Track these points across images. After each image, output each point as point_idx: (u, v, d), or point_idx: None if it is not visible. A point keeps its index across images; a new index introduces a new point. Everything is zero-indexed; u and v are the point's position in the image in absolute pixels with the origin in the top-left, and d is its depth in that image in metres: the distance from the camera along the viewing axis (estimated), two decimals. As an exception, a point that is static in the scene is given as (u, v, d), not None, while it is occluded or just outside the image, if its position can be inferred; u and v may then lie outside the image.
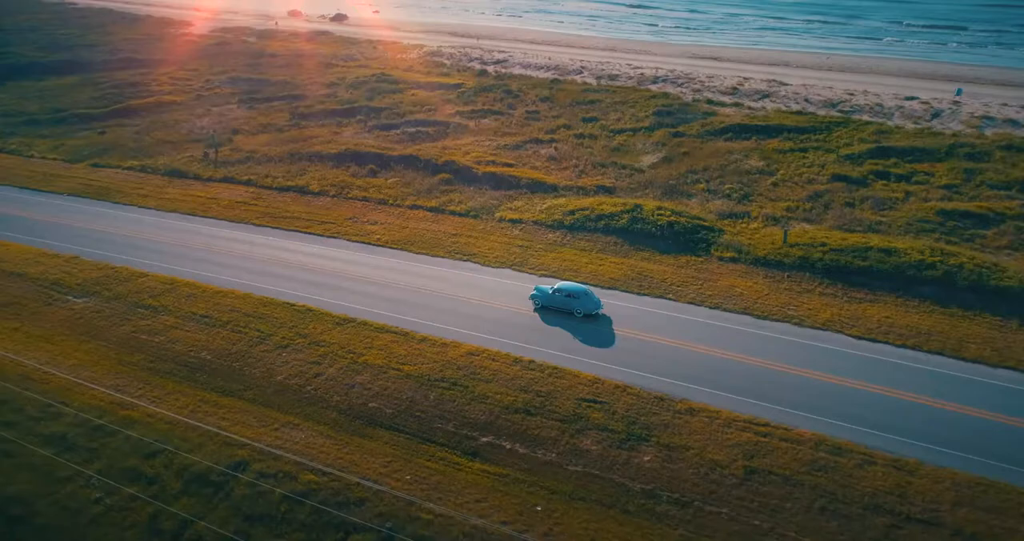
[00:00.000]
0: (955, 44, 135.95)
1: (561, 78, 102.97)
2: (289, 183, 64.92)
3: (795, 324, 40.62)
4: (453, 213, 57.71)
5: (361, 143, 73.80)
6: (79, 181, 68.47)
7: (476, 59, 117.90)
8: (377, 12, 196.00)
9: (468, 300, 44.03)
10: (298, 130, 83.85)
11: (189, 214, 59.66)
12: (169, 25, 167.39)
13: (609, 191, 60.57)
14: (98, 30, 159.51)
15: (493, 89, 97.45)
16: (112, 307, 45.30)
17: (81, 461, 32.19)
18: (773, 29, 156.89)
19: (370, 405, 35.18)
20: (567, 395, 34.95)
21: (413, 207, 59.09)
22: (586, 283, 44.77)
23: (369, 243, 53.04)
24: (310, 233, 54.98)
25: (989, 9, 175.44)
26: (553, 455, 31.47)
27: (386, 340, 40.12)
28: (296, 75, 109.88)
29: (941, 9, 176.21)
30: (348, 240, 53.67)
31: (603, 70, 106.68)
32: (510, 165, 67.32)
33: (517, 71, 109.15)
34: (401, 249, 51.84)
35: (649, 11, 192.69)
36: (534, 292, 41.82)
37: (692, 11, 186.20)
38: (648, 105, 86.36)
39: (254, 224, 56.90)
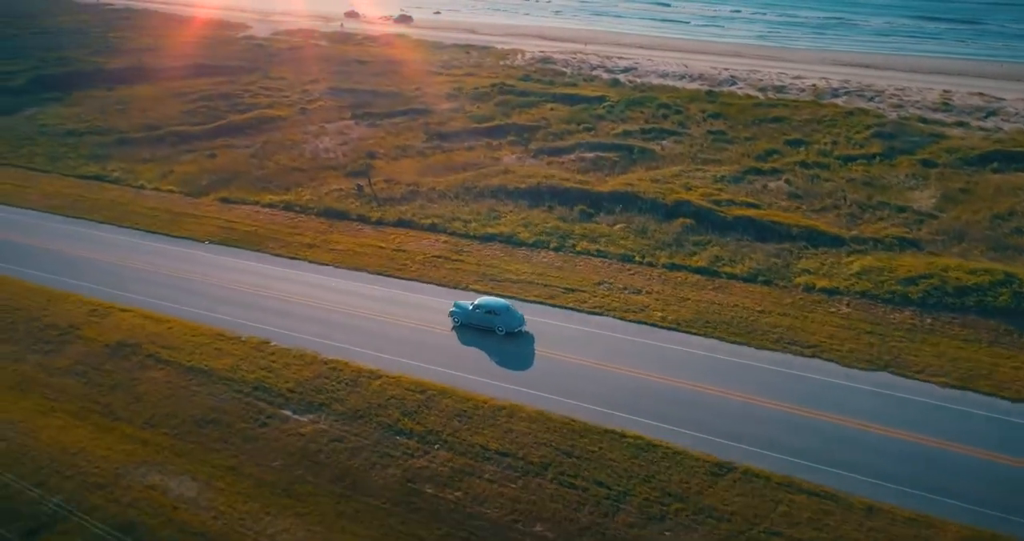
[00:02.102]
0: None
1: (715, 89, 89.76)
2: (488, 229, 51.69)
3: None
4: (731, 277, 44.45)
5: (548, 174, 60.55)
6: (215, 223, 55.30)
7: (598, 67, 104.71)
8: (438, 13, 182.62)
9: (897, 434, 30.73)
10: (444, 154, 70.63)
11: (381, 274, 46.49)
12: (226, 27, 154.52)
13: (915, 245, 47.39)
14: (149, 32, 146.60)
15: (644, 103, 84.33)
16: (355, 431, 32.16)
17: None
18: (896, 34, 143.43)
19: None
20: None
21: (671, 267, 45.83)
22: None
23: (650, 323, 39.84)
24: (558, 306, 41.73)
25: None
26: None
27: (809, 508, 26.84)
28: (401, 85, 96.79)
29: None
30: (617, 318, 40.53)
31: (759, 80, 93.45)
32: (754, 205, 54.13)
33: (655, 81, 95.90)
34: (699, 334, 38.73)
35: (731, 10, 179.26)
36: (453, 308, 39.13)
37: (786, 14, 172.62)
38: (853, 124, 73.32)
39: (478, 292, 43.51)
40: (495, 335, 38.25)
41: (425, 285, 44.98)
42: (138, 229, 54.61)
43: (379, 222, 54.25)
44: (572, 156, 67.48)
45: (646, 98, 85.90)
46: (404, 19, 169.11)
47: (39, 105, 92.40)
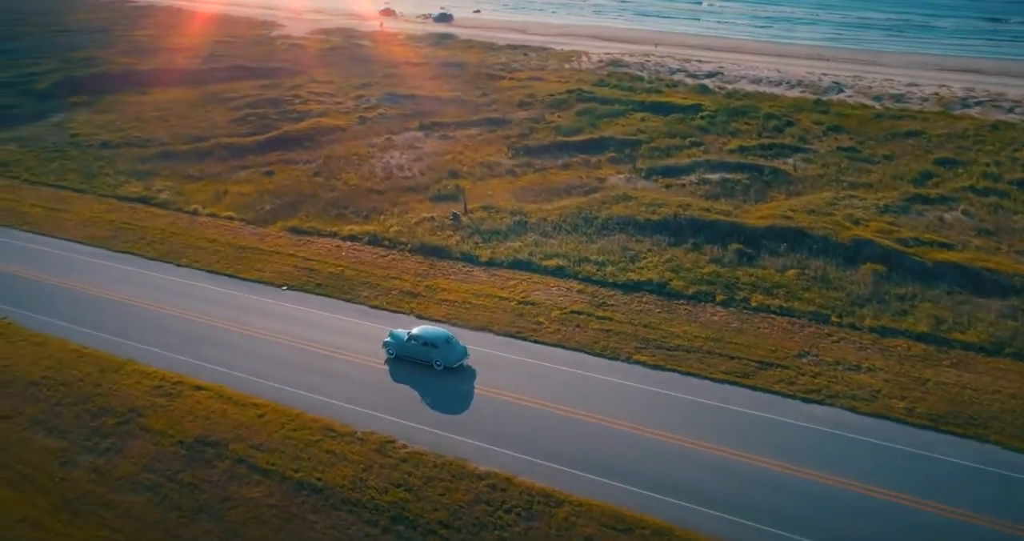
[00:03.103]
0: None
1: (822, 98, 79.85)
2: (630, 275, 42.11)
3: None
4: (966, 346, 34.88)
5: (681, 202, 50.77)
6: (289, 261, 45.85)
7: (678, 71, 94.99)
8: (478, 11, 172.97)
9: None
10: (537, 173, 61.15)
11: (512, 336, 36.81)
12: (257, 26, 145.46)
13: None
14: (176, 31, 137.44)
15: (747, 113, 74.82)
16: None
17: None
18: (976, 35, 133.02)
19: None
20: None
21: (882, 331, 36.33)
22: None
23: (894, 418, 30.00)
24: (758, 389, 31.99)
25: None
26: None
27: None
28: (465, 90, 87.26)
29: None
30: (846, 409, 30.81)
31: (868, 87, 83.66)
32: (946, 245, 44.57)
33: (748, 87, 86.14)
34: (966, 435, 28.81)
35: (778, 10, 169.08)
36: (388, 338, 34.51)
37: (847, 14, 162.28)
38: (1004, 141, 63.83)
39: (645, 365, 33.85)
40: (432, 370, 33.55)
41: (573, 353, 35.24)
42: (198, 269, 45.16)
43: (490, 263, 44.64)
44: (692, 177, 57.86)
45: (747, 107, 76.24)
46: (444, 18, 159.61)
47: (66, 111, 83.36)
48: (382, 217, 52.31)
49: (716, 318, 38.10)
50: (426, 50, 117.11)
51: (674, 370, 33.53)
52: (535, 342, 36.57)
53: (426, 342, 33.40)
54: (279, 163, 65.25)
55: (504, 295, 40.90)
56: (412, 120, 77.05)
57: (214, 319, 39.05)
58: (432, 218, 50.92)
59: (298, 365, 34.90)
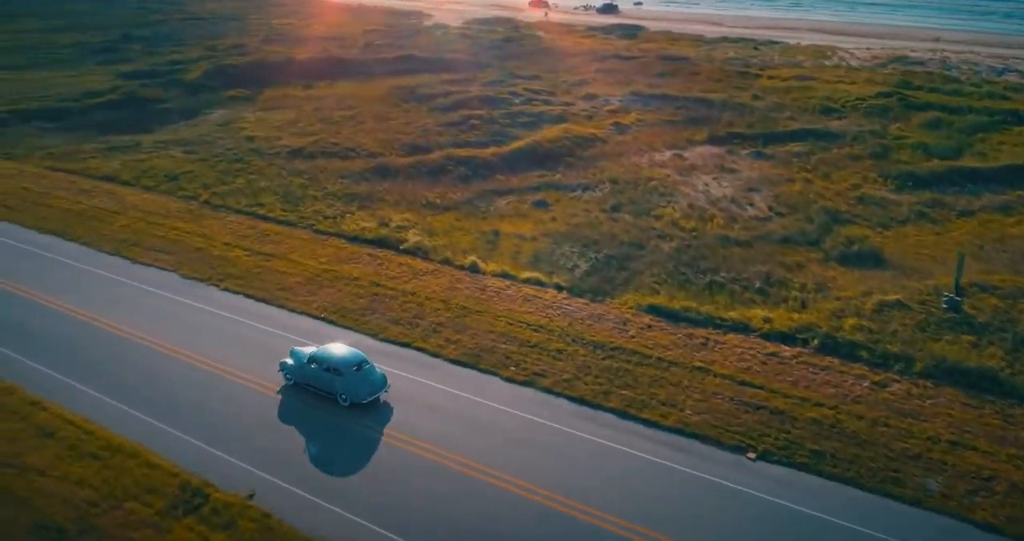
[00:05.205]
0: None
1: None
2: None
3: None
4: None
5: None
6: (705, 384, 25.38)
7: (1004, 70, 71.73)
8: (640, 3, 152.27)
9: None
10: (970, 220, 39.86)
11: None
12: (401, 15, 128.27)
13: None
14: (315, 19, 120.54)
15: None
16: None
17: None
18: None
19: None
20: None
21: None
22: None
23: None
24: None
25: None
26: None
27: None
28: (723, 90, 66.58)
29: None
30: None
31: None
32: None
33: None
34: None
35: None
36: (287, 359, 25.90)
37: None
38: None
39: None
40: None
41: None
42: (584, 402, 25.02)
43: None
44: None
45: None
46: (610, 9, 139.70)
47: (224, 105, 65.80)
48: (787, 291, 31.44)
49: None
50: (621, 43, 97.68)
51: None
52: None
53: (329, 367, 24.64)
54: (545, 188, 45.51)
55: None
56: (686, 129, 56.74)
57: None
58: (899, 303, 29.67)
59: None
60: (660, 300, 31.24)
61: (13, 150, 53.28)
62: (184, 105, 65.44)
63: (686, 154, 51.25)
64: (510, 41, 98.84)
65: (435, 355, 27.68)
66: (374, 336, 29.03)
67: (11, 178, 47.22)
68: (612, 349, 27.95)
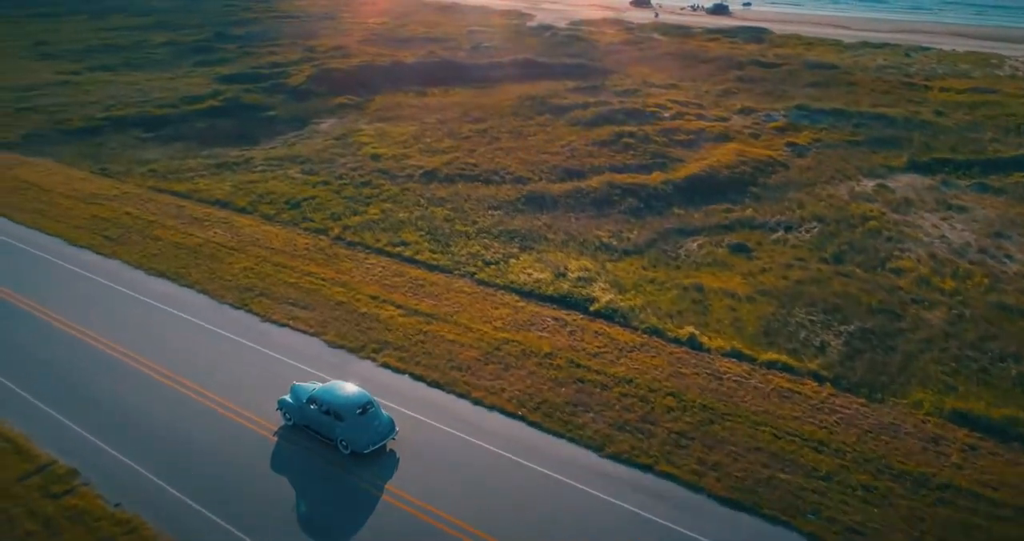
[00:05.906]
0: None
1: None
2: None
3: None
4: None
5: None
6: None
7: None
8: (748, 4, 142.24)
9: None
10: None
11: None
12: (504, 15, 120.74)
13: None
14: (411, 18, 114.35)
15: None
16: None
17: None
18: None
19: None
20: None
21: None
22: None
23: None
24: None
25: None
26: None
27: None
28: (890, 104, 57.18)
29: None
30: None
31: None
32: None
33: None
34: None
35: None
36: (286, 396, 22.97)
37: None
38: None
39: None
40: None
41: None
42: None
43: None
44: None
45: None
46: (720, 10, 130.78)
47: (333, 114, 59.58)
48: None
49: None
50: (750, 47, 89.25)
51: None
52: None
53: (328, 410, 20.90)
54: (738, 227, 37.43)
55: None
56: (875, 152, 48.31)
57: None
58: None
59: None
60: (968, 404, 22.94)
61: (111, 165, 47.60)
62: (291, 113, 59.36)
63: (891, 184, 42.58)
64: (630, 44, 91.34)
65: (694, 488, 19.90)
66: (597, 450, 21.44)
67: (113, 201, 41.26)
68: (939, 488, 19.82)
